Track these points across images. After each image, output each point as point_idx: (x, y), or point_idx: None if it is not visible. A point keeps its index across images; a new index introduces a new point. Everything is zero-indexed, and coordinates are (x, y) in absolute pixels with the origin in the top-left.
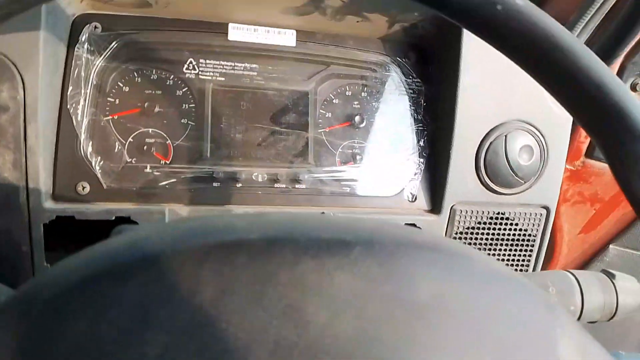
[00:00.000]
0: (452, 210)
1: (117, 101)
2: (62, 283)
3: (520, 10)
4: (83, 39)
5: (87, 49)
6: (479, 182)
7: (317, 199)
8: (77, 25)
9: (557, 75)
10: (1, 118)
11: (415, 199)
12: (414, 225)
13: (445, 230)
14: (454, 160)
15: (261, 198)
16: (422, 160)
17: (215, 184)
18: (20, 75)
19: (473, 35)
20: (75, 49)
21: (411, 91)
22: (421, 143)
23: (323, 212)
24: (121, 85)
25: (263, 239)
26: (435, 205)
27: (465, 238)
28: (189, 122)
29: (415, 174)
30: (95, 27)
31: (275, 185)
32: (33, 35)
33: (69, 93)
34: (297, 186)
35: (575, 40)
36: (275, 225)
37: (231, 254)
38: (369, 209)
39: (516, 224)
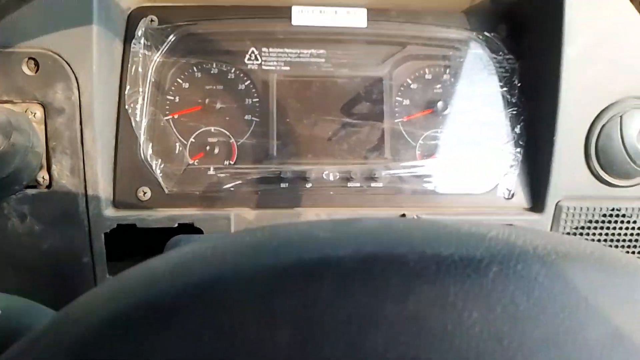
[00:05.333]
0: (558, 208)
1: (177, 99)
2: (94, 316)
3: None
4: (139, 34)
5: (144, 44)
6: (589, 172)
7: (396, 199)
8: (132, 20)
9: None
10: (57, 121)
11: (513, 195)
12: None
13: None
14: (559, 148)
15: (333, 199)
16: (519, 150)
17: (283, 185)
18: (75, 75)
19: None
20: (132, 44)
21: (502, 70)
22: (517, 130)
23: (404, 215)
24: (180, 81)
25: (357, 256)
26: (537, 202)
27: None
28: (253, 118)
29: (512, 166)
30: (152, 21)
31: (349, 184)
32: (86, 31)
33: (126, 92)
34: (372, 185)
35: None
36: (369, 235)
37: (314, 279)
38: (458, 209)
39: (634, 222)
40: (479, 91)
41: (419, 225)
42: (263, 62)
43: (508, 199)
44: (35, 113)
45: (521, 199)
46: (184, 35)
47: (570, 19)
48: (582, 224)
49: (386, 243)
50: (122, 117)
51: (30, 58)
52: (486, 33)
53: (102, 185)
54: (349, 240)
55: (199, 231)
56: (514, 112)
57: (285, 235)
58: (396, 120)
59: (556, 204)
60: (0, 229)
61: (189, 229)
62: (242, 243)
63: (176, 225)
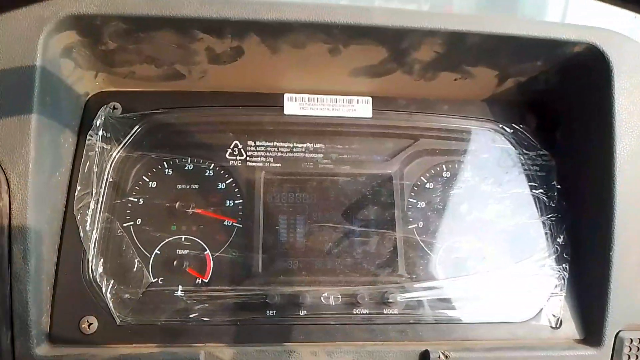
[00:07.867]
0: (618, 340)
1: (141, 201)
2: None
3: None
4: (98, 124)
5: (103, 135)
6: None
7: (415, 331)
8: (91, 107)
9: None
10: None
11: (561, 323)
12: None
13: None
14: (617, 265)
15: (334, 331)
16: (564, 265)
17: (269, 312)
18: (6, 177)
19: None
20: (87, 137)
21: (536, 168)
22: (559, 240)
23: (426, 351)
24: (146, 180)
25: None
26: (592, 333)
27: None
28: (235, 224)
29: (556, 286)
30: (114, 108)
31: (355, 310)
32: (24, 121)
33: (76, 195)
34: (385, 311)
35: None
36: None
37: None
38: (493, 342)
39: None
40: (509, 193)
41: None
42: (248, 158)
43: (555, 328)
44: None
45: (571, 327)
46: (152, 125)
47: (622, 109)
48: None
49: None
50: (67, 227)
51: None
52: (514, 124)
53: (34, 315)
54: None
55: None
56: (555, 219)
57: None
58: (410, 227)
59: (616, 335)
60: None
61: None
62: None
63: None
